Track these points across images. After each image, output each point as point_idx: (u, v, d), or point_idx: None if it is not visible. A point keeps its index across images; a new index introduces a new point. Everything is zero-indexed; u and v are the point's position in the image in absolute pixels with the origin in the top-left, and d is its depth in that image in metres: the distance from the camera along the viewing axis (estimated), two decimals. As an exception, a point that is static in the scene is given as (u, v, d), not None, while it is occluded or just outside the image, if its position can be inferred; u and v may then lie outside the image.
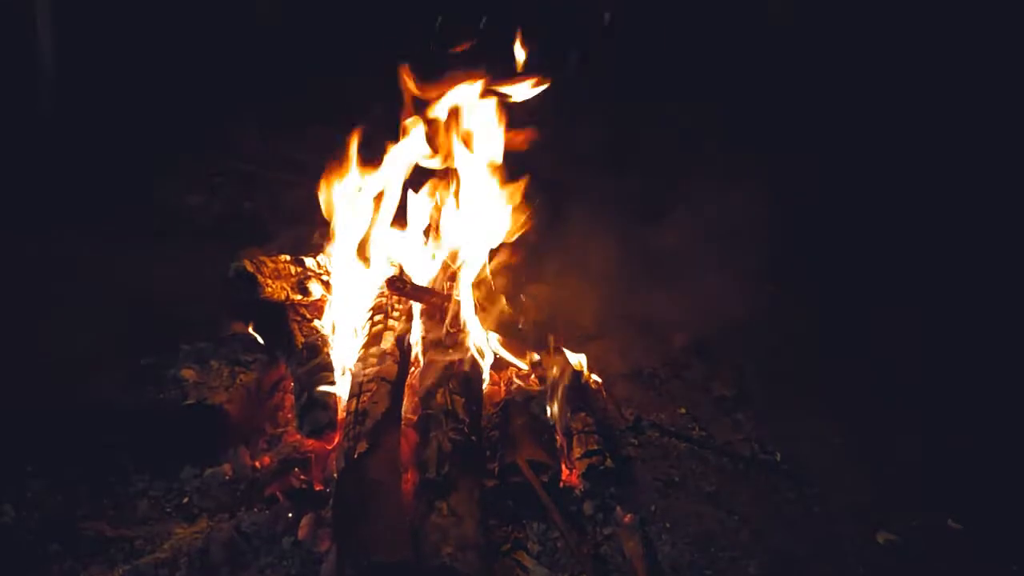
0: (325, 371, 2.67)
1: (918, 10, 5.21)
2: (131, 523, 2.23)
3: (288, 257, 3.02)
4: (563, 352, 3.08)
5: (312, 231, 3.39)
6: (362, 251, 3.06)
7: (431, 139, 2.93)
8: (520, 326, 3.15)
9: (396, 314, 2.88)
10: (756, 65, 5.37)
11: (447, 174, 3.07)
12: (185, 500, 2.34)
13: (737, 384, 3.45)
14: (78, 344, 2.88)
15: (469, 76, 2.92)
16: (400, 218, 3.13)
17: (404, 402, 2.58)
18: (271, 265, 2.91)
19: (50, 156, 4.60)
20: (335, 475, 2.28)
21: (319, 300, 3.08)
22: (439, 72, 2.93)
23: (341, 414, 2.53)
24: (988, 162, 4.92)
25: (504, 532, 2.29)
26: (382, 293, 2.96)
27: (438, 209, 3.10)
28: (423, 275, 3.10)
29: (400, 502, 2.13)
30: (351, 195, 2.99)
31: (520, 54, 3.10)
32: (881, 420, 3.34)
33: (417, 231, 3.18)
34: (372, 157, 2.99)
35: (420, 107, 2.97)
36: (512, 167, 3.03)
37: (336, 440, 2.46)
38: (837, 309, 4.14)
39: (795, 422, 3.21)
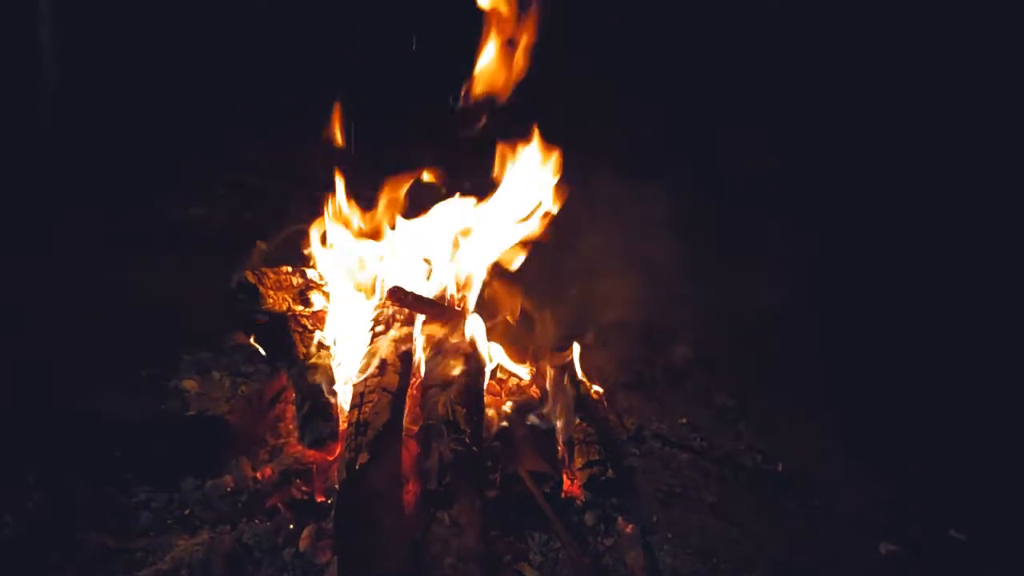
0: (326, 382, 2.67)
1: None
2: (132, 534, 2.22)
3: (290, 268, 3.03)
4: (563, 361, 3.08)
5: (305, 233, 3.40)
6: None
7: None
8: (521, 335, 3.15)
9: (397, 324, 2.88)
10: (755, 64, 5.42)
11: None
12: (187, 511, 2.33)
13: (738, 394, 3.45)
14: (80, 355, 2.88)
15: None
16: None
17: (405, 413, 2.58)
18: (273, 276, 2.92)
19: (51, 167, 4.63)
20: (336, 486, 2.28)
21: (321, 311, 3.08)
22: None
23: (342, 425, 2.54)
24: (988, 162, 4.94)
25: (506, 543, 2.29)
26: (384, 303, 2.96)
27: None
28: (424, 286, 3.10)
29: (401, 513, 2.13)
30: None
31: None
32: (883, 431, 3.34)
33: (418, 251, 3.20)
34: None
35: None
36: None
37: (337, 451, 2.45)
38: (839, 319, 4.15)
39: (797, 432, 3.21)
